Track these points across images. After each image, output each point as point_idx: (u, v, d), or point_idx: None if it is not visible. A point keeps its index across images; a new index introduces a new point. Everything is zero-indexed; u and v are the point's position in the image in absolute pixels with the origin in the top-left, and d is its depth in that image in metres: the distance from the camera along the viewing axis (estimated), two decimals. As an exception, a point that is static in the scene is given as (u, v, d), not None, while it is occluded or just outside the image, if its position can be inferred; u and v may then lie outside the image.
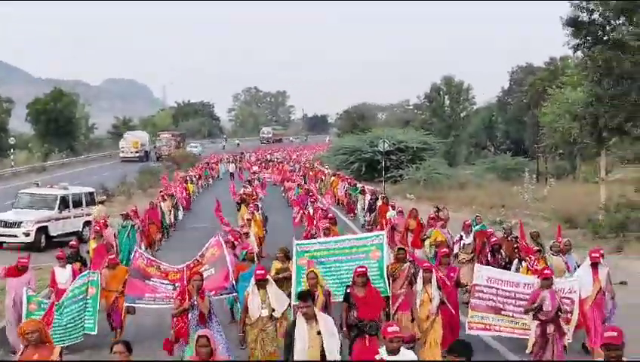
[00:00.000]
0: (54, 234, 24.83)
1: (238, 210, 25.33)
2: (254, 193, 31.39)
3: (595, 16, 22.53)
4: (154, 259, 14.41)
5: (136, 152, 78.54)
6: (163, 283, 13.41)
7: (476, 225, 18.56)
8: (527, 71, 75.07)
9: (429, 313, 12.17)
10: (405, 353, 7.88)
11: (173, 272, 13.51)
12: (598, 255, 13.31)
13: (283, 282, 13.37)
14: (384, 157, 48.96)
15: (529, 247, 15.52)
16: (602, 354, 7.06)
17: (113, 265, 14.40)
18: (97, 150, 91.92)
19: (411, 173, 51.18)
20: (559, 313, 11.87)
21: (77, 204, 26.25)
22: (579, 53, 24.52)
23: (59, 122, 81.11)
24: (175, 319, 11.14)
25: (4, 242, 24.30)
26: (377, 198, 28.40)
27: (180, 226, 30.97)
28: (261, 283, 11.07)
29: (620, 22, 22.03)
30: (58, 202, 25.60)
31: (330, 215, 21.00)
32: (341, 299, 11.81)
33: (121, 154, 79.29)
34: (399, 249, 14.21)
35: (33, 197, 26.50)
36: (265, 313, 10.96)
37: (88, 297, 13.28)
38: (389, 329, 7.85)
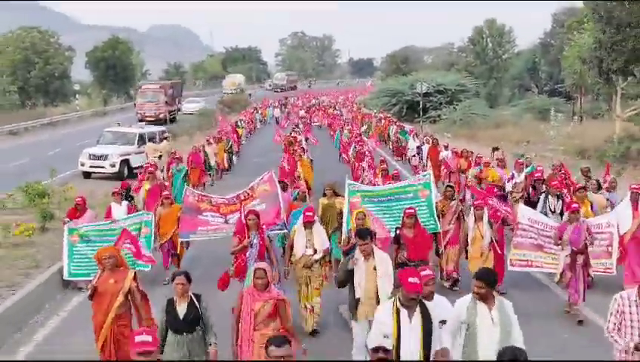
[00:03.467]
0: (134, 166, 28.54)
1: (285, 151, 25.53)
2: (301, 137, 31.85)
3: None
4: (204, 194, 14.63)
5: (234, 90, 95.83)
6: (215, 216, 13.60)
7: (525, 166, 18.94)
8: (570, 13, 75.77)
9: (482, 249, 12.70)
10: (439, 299, 7.65)
11: (224, 205, 13.68)
12: (637, 186, 13.51)
13: (328, 218, 13.98)
14: (423, 98, 52.11)
15: (563, 183, 15.99)
16: (635, 290, 7.33)
17: (168, 202, 14.68)
18: None
19: (448, 114, 54.32)
20: (587, 245, 11.94)
21: (152, 140, 29.92)
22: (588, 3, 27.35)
23: (116, 69, 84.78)
24: (234, 256, 11.31)
25: (93, 172, 28.47)
26: (423, 143, 28.98)
27: (225, 176, 31.13)
28: (308, 224, 11.40)
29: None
30: (137, 138, 29.81)
31: (392, 170, 20.40)
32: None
33: (223, 91, 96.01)
34: (447, 186, 14.79)
35: (116, 135, 30.82)
36: (309, 251, 11.24)
37: (142, 236, 13.35)
38: (423, 273, 7.58)
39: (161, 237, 14.27)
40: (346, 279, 9.16)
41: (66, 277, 13.03)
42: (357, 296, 9.03)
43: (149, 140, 29.79)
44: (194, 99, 73.95)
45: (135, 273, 9.16)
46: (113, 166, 28.32)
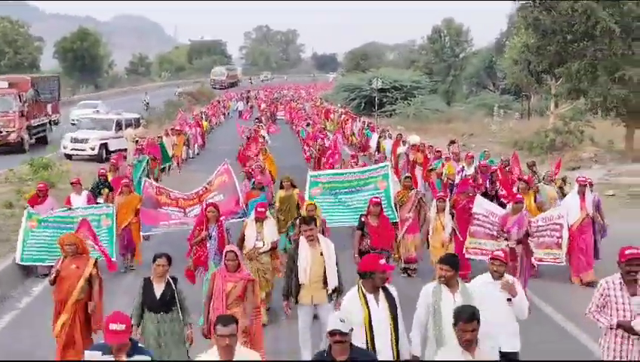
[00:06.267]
0: (112, 150, 30.92)
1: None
2: (263, 131, 32.50)
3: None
4: (162, 186, 14.76)
5: (222, 80, 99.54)
6: (174, 210, 13.93)
7: (484, 159, 19.98)
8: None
9: (443, 240, 13.13)
10: (509, 279, 7.84)
11: (182, 199, 14.03)
12: (584, 179, 14.08)
13: (286, 210, 14.24)
14: (380, 94, 55.42)
15: (506, 181, 16.56)
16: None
17: (127, 190, 14.85)
18: (118, 86, 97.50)
19: (403, 109, 57.81)
20: (527, 235, 12.46)
21: (128, 126, 32.71)
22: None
23: (85, 60, 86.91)
24: (194, 248, 11.42)
25: (74, 154, 31.00)
26: (382, 137, 30.52)
27: (192, 162, 32.68)
28: (259, 219, 11.43)
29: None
30: (114, 124, 32.46)
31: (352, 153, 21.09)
32: (350, 224, 12.83)
33: (212, 77, 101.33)
34: (406, 177, 15.18)
35: (94, 121, 33.65)
36: (259, 244, 11.31)
37: (104, 227, 13.73)
38: (495, 252, 8.05)
39: (118, 227, 14.37)
40: (292, 265, 9.31)
41: (18, 261, 13.63)
42: (301, 281, 9.17)
43: (127, 126, 32.32)
44: (88, 103, 51.67)
45: (96, 260, 9.47)
46: (93, 149, 30.93)
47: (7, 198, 18.93)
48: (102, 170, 17.31)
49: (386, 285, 7.19)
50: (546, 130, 32.18)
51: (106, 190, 15.98)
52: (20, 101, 33.42)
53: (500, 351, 7.01)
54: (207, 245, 11.17)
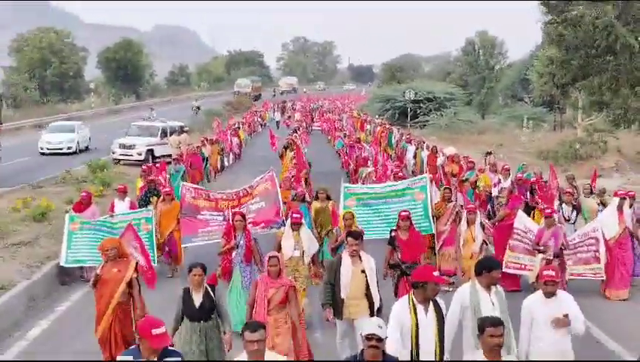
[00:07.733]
0: (158, 155, 32.58)
1: (281, 156, 26.74)
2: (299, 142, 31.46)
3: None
4: (201, 188, 14.87)
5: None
6: (213, 215, 13.87)
7: (521, 172, 19.84)
8: (559, 28, 78.90)
9: (472, 252, 13.11)
10: (562, 297, 7.75)
11: (222, 200, 14.01)
12: (623, 192, 14.09)
13: (321, 221, 14.20)
14: (413, 105, 57.07)
15: (545, 196, 16.50)
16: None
17: (169, 198, 15.19)
18: (158, 96, 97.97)
19: (435, 120, 59.23)
20: (562, 249, 12.64)
21: (172, 133, 34.13)
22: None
23: (127, 69, 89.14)
24: (221, 257, 11.47)
25: (122, 159, 32.75)
26: (419, 148, 29.23)
27: (228, 171, 32.93)
28: (296, 226, 11.32)
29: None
30: (160, 131, 34.37)
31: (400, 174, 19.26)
32: (385, 237, 12.32)
33: (280, 90, 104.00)
34: (445, 188, 15.14)
35: (141, 128, 35.53)
36: (297, 254, 11.19)
37: (144, 232, 13.70)
38: (545, 272, 7.85)
39: (161, 235, 14.65)
40: (332, 279, 9.28)
41: (62, 263, 13.69)
42: (342, 296, 9.19)
43: (171, 133, 33.96)
44: (61, 126, 39.38)
45: (137, 263, 9.65)
46: (140, 154, 32.63)
47: (68, 196, 20.42)
48: (150, 178, 17.68)
49: (437, 298, 7.37)
50: (570, 141, 33.54)
51: (155, 198, 16.06)
52: None
53: None
54: (233, 254, 11.26)
